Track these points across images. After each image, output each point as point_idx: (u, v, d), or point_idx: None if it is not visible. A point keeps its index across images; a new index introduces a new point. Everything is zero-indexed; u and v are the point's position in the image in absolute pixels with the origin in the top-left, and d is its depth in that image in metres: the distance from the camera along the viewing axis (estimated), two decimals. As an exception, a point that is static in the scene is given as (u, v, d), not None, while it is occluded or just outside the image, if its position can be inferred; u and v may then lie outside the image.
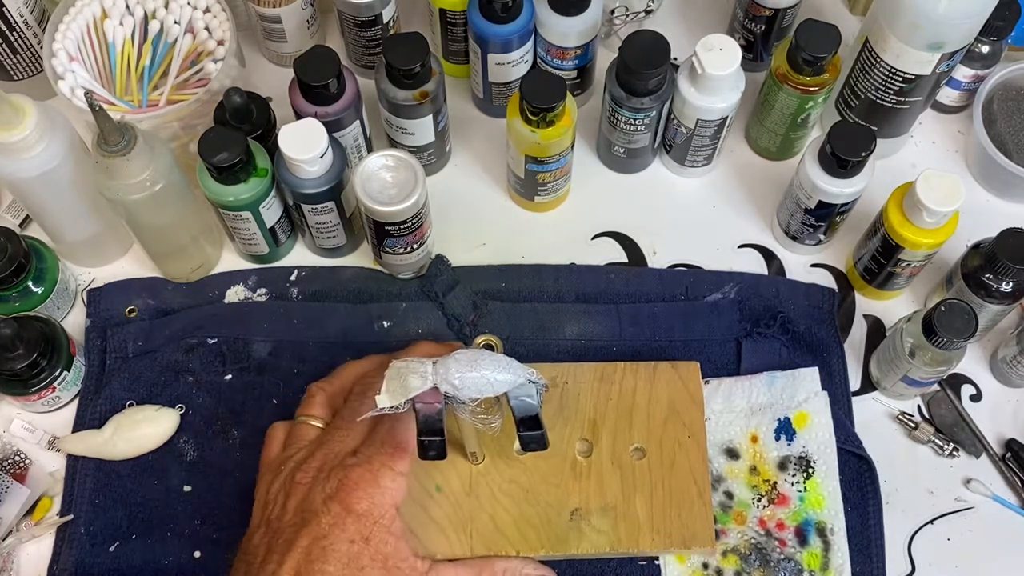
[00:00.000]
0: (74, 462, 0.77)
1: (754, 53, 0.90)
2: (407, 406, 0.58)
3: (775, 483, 0.75)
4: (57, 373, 0.76)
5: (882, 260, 0.79)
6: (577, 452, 0.72)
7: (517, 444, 0.70)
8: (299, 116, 0.77)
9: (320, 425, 0.65)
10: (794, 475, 0.75)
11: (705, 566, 0.72)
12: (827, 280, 0.85)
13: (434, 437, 0.59)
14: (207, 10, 0.82)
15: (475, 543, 0.68)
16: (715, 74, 0.77)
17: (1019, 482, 0.77)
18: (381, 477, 0.59)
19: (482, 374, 0.58)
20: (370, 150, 0.85)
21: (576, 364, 0.75)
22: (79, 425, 0.78)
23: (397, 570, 0.58)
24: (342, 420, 0.64)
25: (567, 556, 0.69)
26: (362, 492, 0.58)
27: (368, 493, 0.58)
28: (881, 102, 0.81)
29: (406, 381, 0.57)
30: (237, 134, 0.72)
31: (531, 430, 0.61)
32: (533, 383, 0.60)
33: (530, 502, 0.70)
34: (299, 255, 0.85)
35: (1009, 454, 0.78)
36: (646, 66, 0.76)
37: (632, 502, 0.70)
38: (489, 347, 0.81)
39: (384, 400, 0.58)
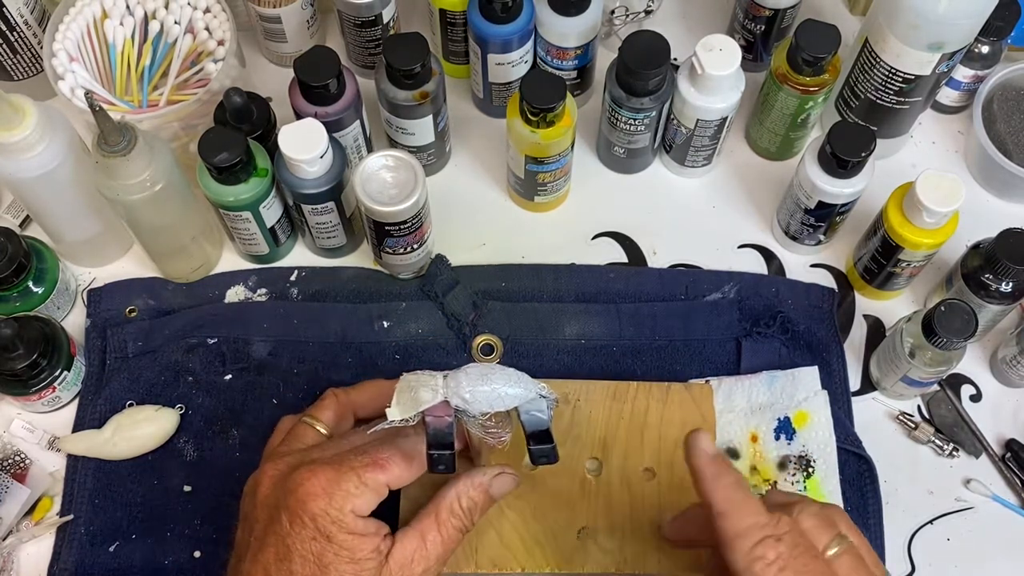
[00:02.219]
0: (74, 462, 0.77)
1: (754, 53, 0.90)
2: (417, 419, 0.58)
3: (775, 483, 0.75)
4: (57, 373, 0.76)
5: (882, 260, 0.79)
6: (587, 470, 0.71)
7: (526, 459, 0.70)
8: (299, 116, 0.77)
9: (322, 430, 0.64)
10: (794, 474, 0.75)
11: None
12: (827, 280, 0.85)
13: (444, 451, 0.59)
14: (207, 10, 0.82)
15: (480, 558, 0.68)
16: (715, 74, 0.77)
17: (1019, 482, 0.77)
18: (344, 480, 0.57)
19: (493, 388, 0.57)
20: (370, 150, 0.85)
21: (589, 382, 0.74)
22: (79, 425, 0.78)
23: (365, 562, 0.57)
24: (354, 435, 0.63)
25: (572, 575, 0.69)
26: (321, 491, 0.56)
27: (328, 493, 0.56)
28: (881, 102, 0.81)
29: (417, 394, 0.57)
30: (237, 134, 0.72)
31: (541, 444, 0.61)
32: (544, 398, 0.60)
33: (537, 519, 0.69)
34: (299, 255, 0.85)
35: (1009, 454, 0.78)
36: (646, 66, 0.76)
37: (640, 523, 0.70)
38: (489, 347, 0.81)
39: (394, 413, 0.57)
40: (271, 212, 0.78)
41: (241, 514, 0.61)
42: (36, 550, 0.75)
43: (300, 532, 0.56)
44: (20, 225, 0.86)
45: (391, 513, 0.69)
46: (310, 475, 0.56)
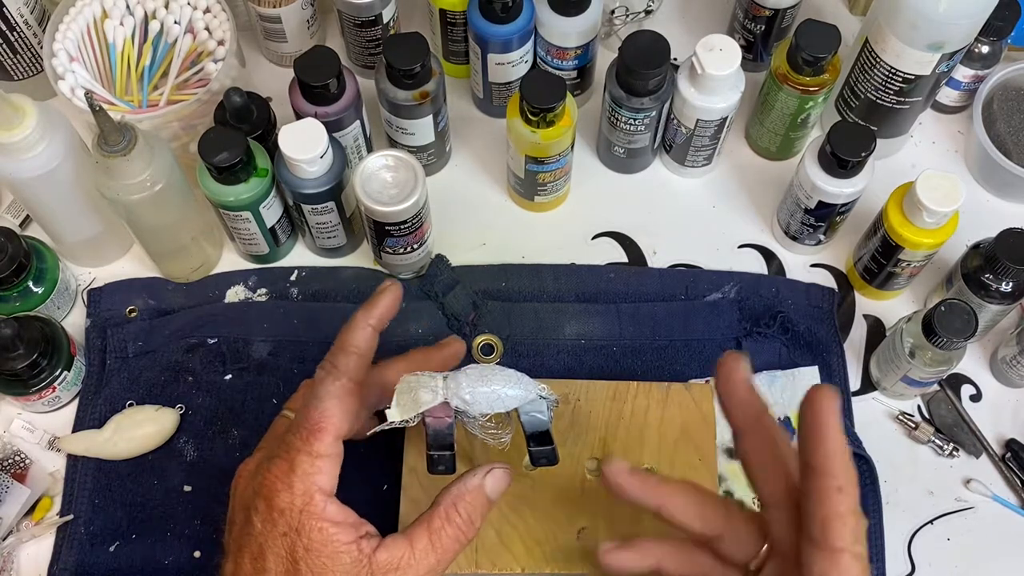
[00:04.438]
0: (74, 462, 0.77)
1: (754, 53, 0.90)
2: (417, 420, 0.58)
3: (775, 483, 0.75)
4: (57, 373, 0.76)
5: (882, 260, 0.79)
6: (587, 470, 0.71)
7: (526, 459, 0.70)
8: (299, 116, 0.77)
9: None
10: (794, 475, 0.75)
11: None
12: (827, 280, 0.85)
13: (444, 452, 0.59)
14: (207, 10, 0.82)
15: (480, 558, 0.68)
16: (715, 74, 0.77)
17: (1019, 482, 0.77)
18: (297, 465, 0.56)
19: (493, 389, 0.57)
20: (370, 150, 0.85)
21: (589, 382, 0.74)
22: (79, 425, 0.78)
23: (339, 555, 0.55)
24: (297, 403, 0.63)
25: (572, 575, 0.69)
26: (281, 484, 0.55)
27: (288, 483, 0.55)
28: (881, 102, 0.81)
29: (416, 395, 0.57)
30: (237, 134, 0.72)
31: (541, 445, 0.61)
32: (544, 399, 0.60)
33: (537, 519, 0.69)
34: (299, 255, 0.85)
35: (1009, 454, 0.78)
36: (646, 66, 0.76)
37: (640, 523, 0.70)
38: (489, 347, 0.81)
39: (395, 414, 0.57)
40: (271, 212, 0.78)
41: (227, 518, 0.61)
42: (36, 550, 0.75)
43: (271, 530, 0.55)
44: (20, 225, 0.86)
45: (391, 514, 0.69)
46: (267, 471, 0.56)
